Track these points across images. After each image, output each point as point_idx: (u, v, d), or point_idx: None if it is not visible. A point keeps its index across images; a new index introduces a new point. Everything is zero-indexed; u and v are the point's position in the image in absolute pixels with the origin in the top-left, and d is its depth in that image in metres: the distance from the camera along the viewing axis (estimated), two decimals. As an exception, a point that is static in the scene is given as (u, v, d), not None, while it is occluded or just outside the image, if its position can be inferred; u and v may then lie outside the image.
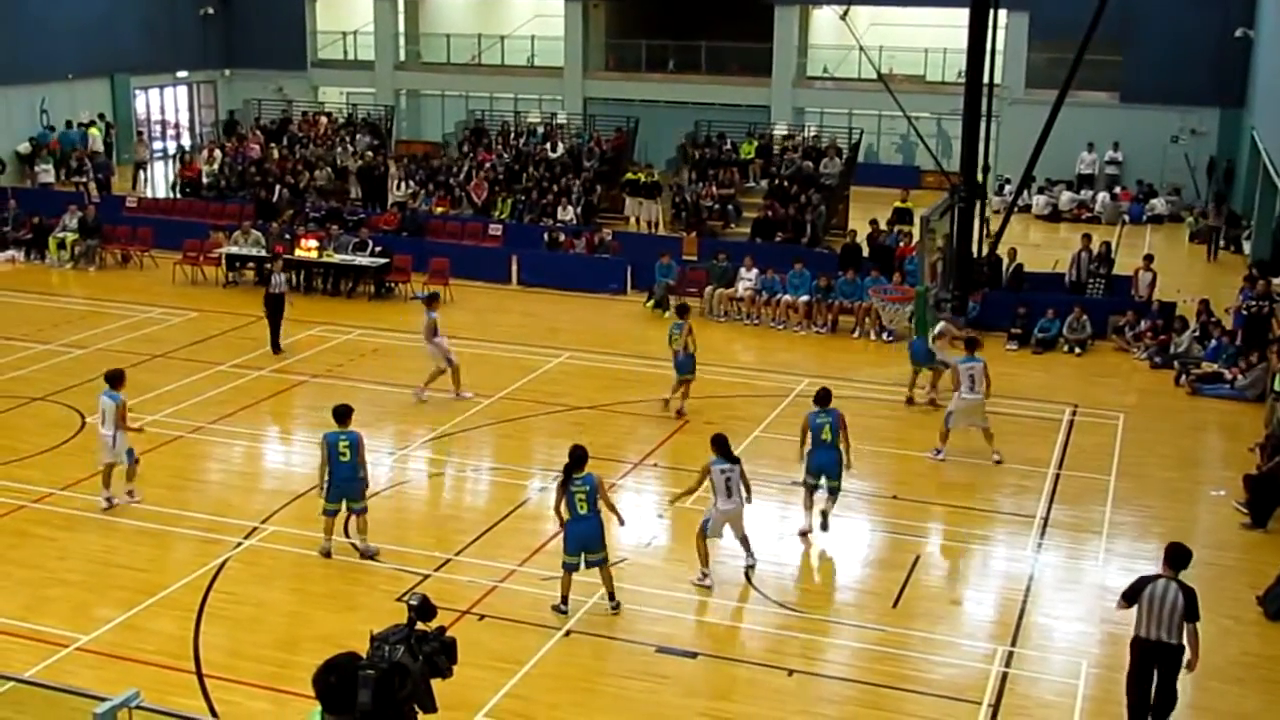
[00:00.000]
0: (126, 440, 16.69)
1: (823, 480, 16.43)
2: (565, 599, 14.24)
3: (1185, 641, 11.72)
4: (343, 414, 15.44)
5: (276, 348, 23.95)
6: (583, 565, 14.17)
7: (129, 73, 46.10)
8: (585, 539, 14.11)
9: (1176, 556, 11.91)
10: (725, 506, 14.98)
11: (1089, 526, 17.08)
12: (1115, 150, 41.22)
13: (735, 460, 15.11)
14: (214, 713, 12.09)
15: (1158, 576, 11.86)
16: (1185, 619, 11.64)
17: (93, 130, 43.18)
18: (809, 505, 16.55)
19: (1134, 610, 11.84)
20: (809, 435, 16.44)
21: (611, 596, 14.32)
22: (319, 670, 6.93)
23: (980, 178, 19.72)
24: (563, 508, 14.18)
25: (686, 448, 19.45)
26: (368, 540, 15.65)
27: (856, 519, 17.39)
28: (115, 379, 16.78)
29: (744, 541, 15.44)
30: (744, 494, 15.12)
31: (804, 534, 16.53)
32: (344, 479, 15.30)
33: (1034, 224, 37.55)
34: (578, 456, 14.18)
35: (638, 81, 46.72)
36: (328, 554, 15.53)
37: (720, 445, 15.12)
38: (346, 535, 16.17)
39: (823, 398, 16.83)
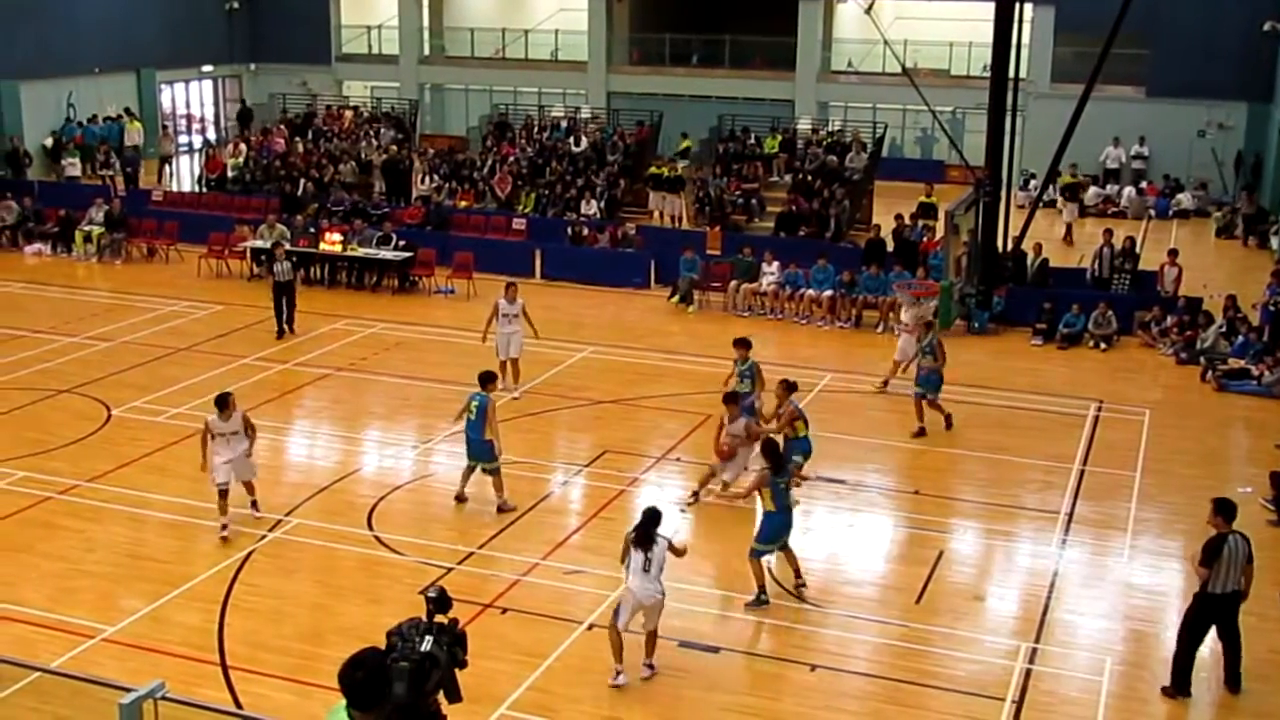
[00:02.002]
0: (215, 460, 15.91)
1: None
2: (763, 588, 14.39)
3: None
4: (483, 378, 17.05)
5: (282, 331, 24.62)
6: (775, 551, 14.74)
7: (155, 67, 46.33)
8: (783, 529, 14.53)
9: (1231, 508, 12.76)
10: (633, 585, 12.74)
11: (1114, 523, 17.01)
12: (1141, 145, 41.01)
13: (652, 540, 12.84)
14: (238, 704, 12.13)
15: (1227, 534, 12.56)
16: (1248, 562, 12.63)
17: (134, 124, 43.43)
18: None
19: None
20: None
21: (799, 574, 14.80)
22: (345, 666, 6.93)
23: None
24: (766, 498, 14.41)
25: (709, 443, 19.41)
26: (504, 497, 16.85)
27: (879, 514, 17.36)
28: (220, 403, 16.03)
29: (649, 642, 12.94)
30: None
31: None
32: (469, 438, 16.77)
33: (1059, 219, 37.30)
34: (773, 451, 14.62)
35: (662, 75, 46.67)
36: (458, 499, 16.97)
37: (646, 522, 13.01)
38: (370, 528, 16.25)
39: None
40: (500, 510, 16.68)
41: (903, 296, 25.66)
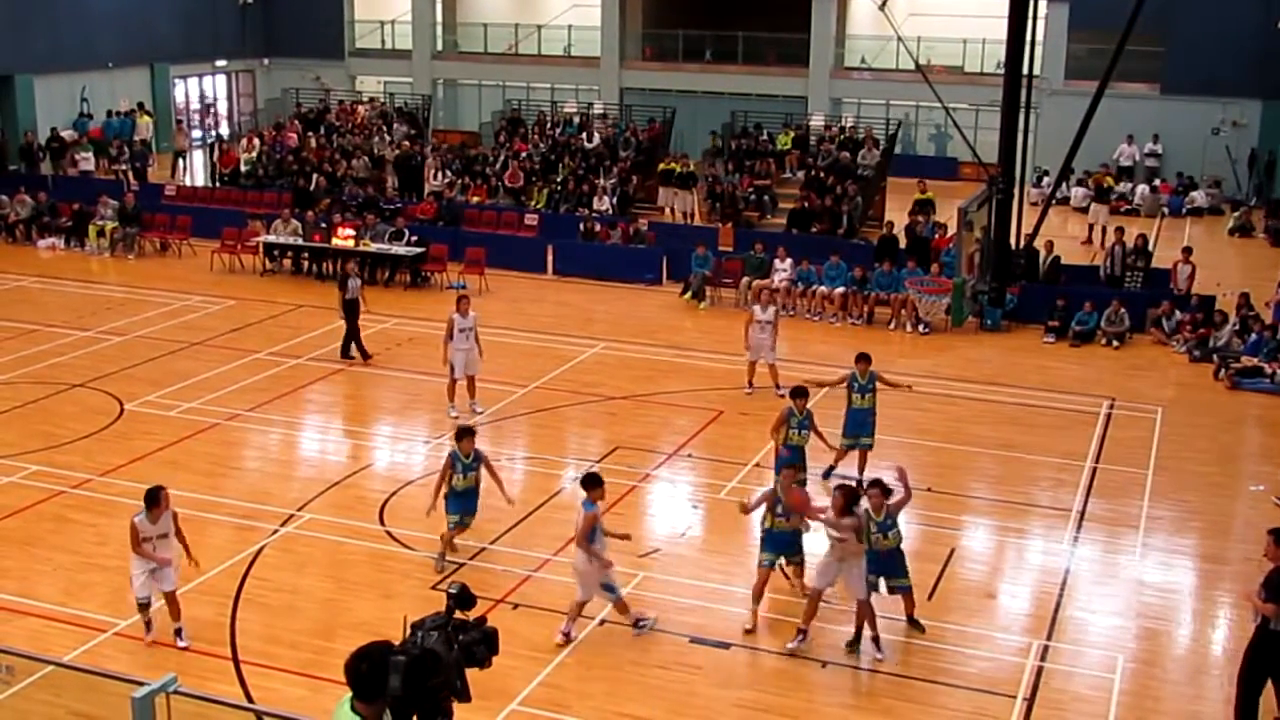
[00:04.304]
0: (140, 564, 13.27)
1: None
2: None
3: None
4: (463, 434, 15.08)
5: (352, 352, 22.85)
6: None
7: (168, 61, 46.43)
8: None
9: None
10: None
11: (1126, 521, 16.97)
12: (1155, 142, 40.91)
13: None
14: (250, 698, 12.17)
15: None
16: None
17: (144, 118, 43.52)
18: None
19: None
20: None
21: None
22: (351, 657, 6.97)
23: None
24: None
25: (721, 439, 19.46)
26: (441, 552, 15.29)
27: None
28: (149, 498, 13.30)
29: None
30: None
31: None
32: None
33: (1072, 216, 37.26)
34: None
35: (674, 72, 46.64)
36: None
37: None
38: (382, 523, 16.29)
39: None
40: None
41: (915, 294, 25.60)
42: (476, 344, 20.09)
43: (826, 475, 17.69)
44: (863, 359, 17.64)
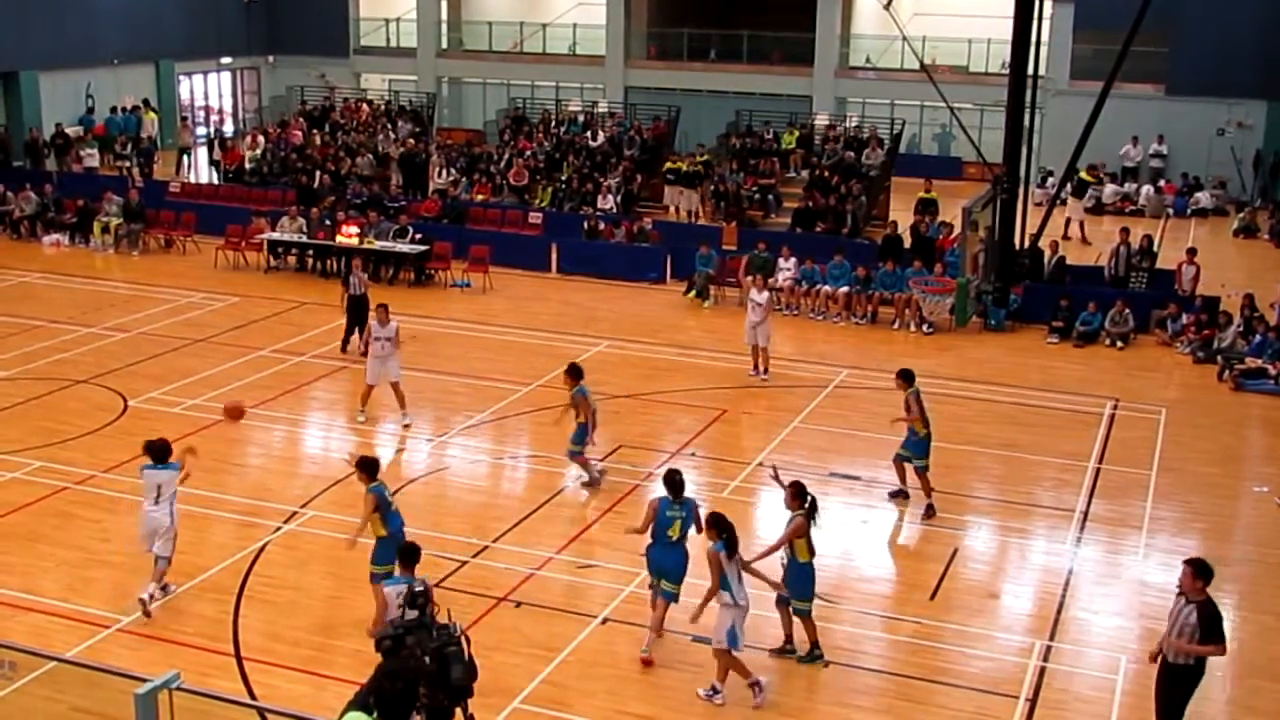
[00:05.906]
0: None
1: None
2: (817, 643, 13.35)
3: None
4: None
5: (345, 346, 23.01)
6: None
7: (173, 59, 46.48)
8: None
9: (1211, 570, 11.23)
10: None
11: (1129, 521, 16.96)
12: (1160, 143, 40.84)
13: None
14: (252, 695, 12.19)
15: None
16: None
17: (149, 115, 43.56)
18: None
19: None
20: None
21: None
22: (382, 678, 6.93)
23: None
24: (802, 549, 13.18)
25: (724, 438, 19.46)
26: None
27: (894, 511, 17.31)
28: (157, 451, 14.19)
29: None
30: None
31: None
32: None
33: (1065, 215, 37.18)
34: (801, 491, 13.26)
35: (679, 70, 46.64)
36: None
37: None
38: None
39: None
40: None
41: (919, 293, 25.56)
42: (396, 352, 19.70)
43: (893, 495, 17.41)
44: (899, 377, 17.03)
